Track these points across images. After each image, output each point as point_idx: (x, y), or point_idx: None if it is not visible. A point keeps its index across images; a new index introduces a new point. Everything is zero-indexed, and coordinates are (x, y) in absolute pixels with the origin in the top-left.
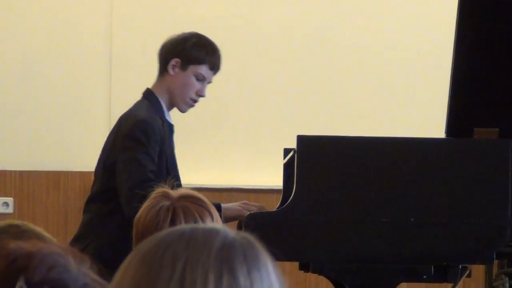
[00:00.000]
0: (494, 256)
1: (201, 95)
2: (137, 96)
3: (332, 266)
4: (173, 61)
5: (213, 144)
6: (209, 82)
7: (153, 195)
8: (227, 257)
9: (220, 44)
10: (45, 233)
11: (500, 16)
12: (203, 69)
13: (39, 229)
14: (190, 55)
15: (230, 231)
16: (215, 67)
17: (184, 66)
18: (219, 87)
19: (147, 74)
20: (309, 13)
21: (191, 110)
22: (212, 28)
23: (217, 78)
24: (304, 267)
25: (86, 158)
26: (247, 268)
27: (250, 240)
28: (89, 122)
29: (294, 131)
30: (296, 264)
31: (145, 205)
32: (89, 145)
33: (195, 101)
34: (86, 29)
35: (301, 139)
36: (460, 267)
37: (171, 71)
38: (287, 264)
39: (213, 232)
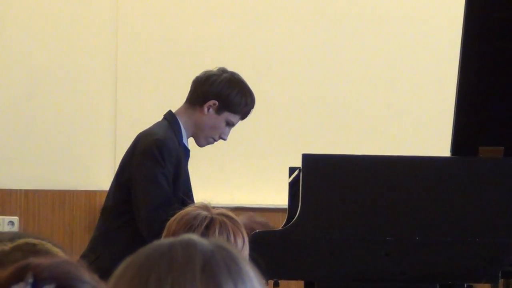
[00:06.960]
0: (500, 275)
1: (224, 139)
2: (143, 115)
3: (337, 285)
4: (211, 102)
5: (218, 163)
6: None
7: (192, 205)
8: (212, 275)
9: (224, 62)
10: (62, 254)
11: (504, 35)
12: (236, 118)
13: (56, 249)
14: (230, 103)
15: (204, 241)
16: (246, 116)
17: (219, 110)
18: None
19: (152, 93)
20: (314, 31)
21: None
22: (216, 47)
23: None
24: (309, 286)
25: (92, 177)
26: (233, 283)
27: (228, 249)
28: (95, 141)
29: (299, 149)
30: (301, 283)
31: (182, 211)
32: (95, 164)
33: (215, 141)
34: (91, 48)
35: (306, 157)
36: (465, 285)
37: (205, 110)
38: (293, 283)
39: (191, 247)
